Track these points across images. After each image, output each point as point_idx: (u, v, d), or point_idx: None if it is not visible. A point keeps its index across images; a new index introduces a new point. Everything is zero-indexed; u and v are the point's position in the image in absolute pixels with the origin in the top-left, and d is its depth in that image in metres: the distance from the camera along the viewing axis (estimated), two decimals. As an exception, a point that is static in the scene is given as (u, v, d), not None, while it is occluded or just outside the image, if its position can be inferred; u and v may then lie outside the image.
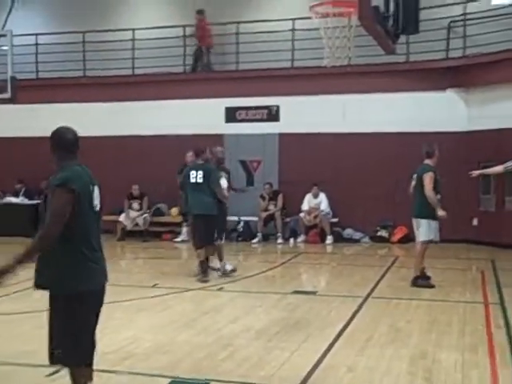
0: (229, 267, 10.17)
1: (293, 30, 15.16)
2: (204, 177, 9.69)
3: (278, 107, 15.35)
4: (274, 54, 14.96)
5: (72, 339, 4.02)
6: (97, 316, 4.16)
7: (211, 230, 9.74)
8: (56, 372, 5.37)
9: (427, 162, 9.22)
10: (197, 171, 9.77)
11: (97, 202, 4.14)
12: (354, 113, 14.62)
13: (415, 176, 9.21)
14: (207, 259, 9.92)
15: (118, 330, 6.72)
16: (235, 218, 14.90)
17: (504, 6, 13.57)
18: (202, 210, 9.59)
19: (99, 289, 4.14)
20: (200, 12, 15.79)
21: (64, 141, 4.15)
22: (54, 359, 4.13)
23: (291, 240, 14.39)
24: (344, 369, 5.45)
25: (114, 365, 5.58)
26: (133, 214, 15.14)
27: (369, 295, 8.62)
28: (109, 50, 16.09)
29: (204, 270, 9.74)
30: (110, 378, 5.31)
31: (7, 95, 16.24)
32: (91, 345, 4.17)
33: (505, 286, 9.14)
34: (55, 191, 3.93)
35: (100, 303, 4.18)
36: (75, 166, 4.09)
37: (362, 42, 12.75)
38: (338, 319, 7.20)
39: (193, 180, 9.76)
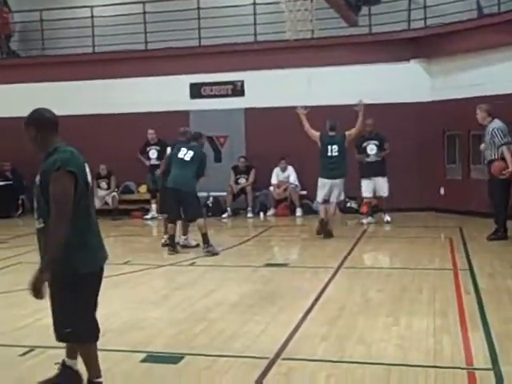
0: (193, 242, 10.36)
1: (254, 4, 15.05)
2: (193, 158, 9.86)
3: (242, 82, 15.27)
4: (236, 28, 14.85)
5: (79, 318, 4.10)
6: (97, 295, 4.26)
7: (198, 204, 10.13)
8: (30, 351, 5.35)
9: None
10: (188, 150, 9.95)
11: (89, 180, 4.13)
12: (319, 85, 14.59)
13: None
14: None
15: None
16: (204, 194, 14.88)
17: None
18: (187, 188, 9.75)
19: (101, 268, 4.26)
20: None
21: (48, 121, 4.11)
22: (63, 337, 4.21)
23: (261, 214, 14.43)
24: (318, 339, 5.49)
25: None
26: (101, 192, 15.06)
27: (340, 266, 8.68)
28: (68, 28, 15.82)
29: (172, 243, 9.96)
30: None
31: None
32: (96, 322, 4.29)
33: (473, 253, 9.28)
34: (55, 175, 3.88)
35: (101, 281, 4.32)
36: (66, 146, 4.08)
37: (325, 15, 12.79)
38: (311, 290, 7.25)
39: (181, 156, 9.92)
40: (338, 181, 11.08)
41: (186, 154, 9.92)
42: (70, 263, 3.95)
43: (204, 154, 10.30)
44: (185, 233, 10.42)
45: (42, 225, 4.01)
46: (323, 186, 11.17)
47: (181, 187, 9.71)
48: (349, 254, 9.68)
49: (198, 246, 10.29)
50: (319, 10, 12.51)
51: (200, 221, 9.85)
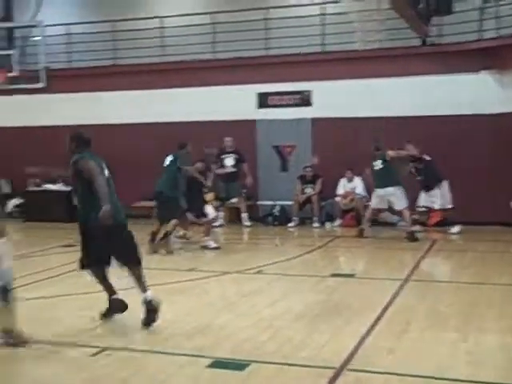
0: (213, 244, 11.34)
1: (323, 14, 15.05)
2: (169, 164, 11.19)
3: (310, 92, 15.27)
4: (305, 38, 14.87)
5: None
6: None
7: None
8: (101, 352, 5.47)
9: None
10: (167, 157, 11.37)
11: (106, 171, 6.39)
12: (386, 96, 14.46)
13: None
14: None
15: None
16: (271, 203, 14.95)
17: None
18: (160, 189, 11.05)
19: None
20: None
21: (85, 139, 6.50)
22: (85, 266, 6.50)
23: (327, 224, 14.37)
24: (384, 352, 5.44)
25: (155, 345, 5.66)
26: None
27: (408, 278, 8.55)
28: (138, 39, 16.16)
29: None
30: (152, 358, 5.37)
31: (41, 85, 16.50)
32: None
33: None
34: (81, 163, 6.25)
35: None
36: (87, 152, 6.38)
37: (395, 25, 12.69)
38: (378, 302, 7.16)
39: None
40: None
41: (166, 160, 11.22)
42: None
43: (176, 159, 11.20)
44: (186, 229, 11.85)
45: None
46: None
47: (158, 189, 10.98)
48: (416, 266, 9.54)
49: (219, 248, 11.23)
50: (389, 21, 12.48)
51: (172, 221, 10.89)
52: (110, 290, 6.54)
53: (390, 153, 12.36)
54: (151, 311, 6.17)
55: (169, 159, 11.21)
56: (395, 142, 12.74)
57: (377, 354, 5.40)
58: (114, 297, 6.51)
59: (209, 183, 12.60)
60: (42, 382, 5.01)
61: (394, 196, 12.14)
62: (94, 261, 6.37)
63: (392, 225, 13.45)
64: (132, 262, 6.29)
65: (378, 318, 6.51)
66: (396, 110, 14.15)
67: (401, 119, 14.10)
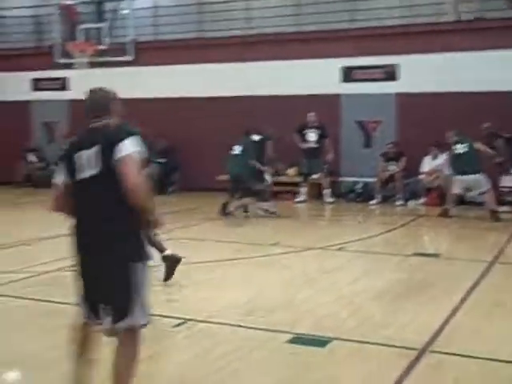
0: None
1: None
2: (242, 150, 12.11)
3: (395, 66, 14.90)
4: (390, 11, 14.51)
5: None
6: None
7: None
8: (182, 323, 5.55)
9: None
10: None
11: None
12: (474, 71, 13.90)
13: None
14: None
15: (238, 287, 6.85)
16: (353, 179, 14.78)
17: None
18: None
19: None
20: None
21: None
22: None
23: (411, 202, 14.08)
24: (470, 333, 5.29)
25: (237, 320, 5.68)
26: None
27: (495, 260, 8.27)
28: (224, 11, 16.18)
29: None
30: (234, 332, 5.41)
31: (129, 57, 16.81)
32: None
33: None
34: None
35: None
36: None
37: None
38: (463, 283, 6.94)
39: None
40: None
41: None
42: None
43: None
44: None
45: None
46: None
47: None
48: (504, 247, 9.22)
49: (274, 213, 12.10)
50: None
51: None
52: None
53: (480, 147, 11.86)
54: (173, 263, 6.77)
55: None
56: (484, 116, 12.32)
57: (461, 335, 5.25)
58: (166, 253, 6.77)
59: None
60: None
61: (478, 181, 11.63)
62: None
63: (479, 204, 13.04)
64: None
65: (464, 299, 6.32)
66: (482, 85, 13.59)
67: (489, 94, 13.56)
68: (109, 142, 3.61)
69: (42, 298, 6.37)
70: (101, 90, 3.90)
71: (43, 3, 18.29)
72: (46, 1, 18.13)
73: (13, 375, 4.65)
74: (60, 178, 3.82)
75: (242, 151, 12.00)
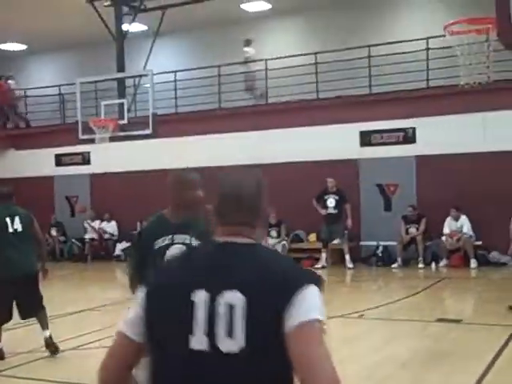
0: None
1: (427, 49, 14.84)
2: None
3: (414, 129, 14.98)
4: (408, 75, 14.69)
5: None
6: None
7: None
8: None
9: None
10: None
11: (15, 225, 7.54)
12: (495, 131, 13.94)
13: None
14: None
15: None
16: (374, 243, 14.69)
17: None
18: None
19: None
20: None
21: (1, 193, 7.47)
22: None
23: (433, 264, 13.91)
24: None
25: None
26: (271, 241, 15.23)
27: (519, 324, 8.12)
28: (239, 82, 16.53)
29: None
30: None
31: (148, 131, 17.09)
32: None
33: None
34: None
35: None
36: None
37: (502, 57, 12.25)
38: (487, 350, 6.80)
39: None
40: None
41: None
42: None
43: None
44: None
45: None
46: None
47: None
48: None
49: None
50: (496, 52, 12.07)
51: None
52: None
53: None
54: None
55: None
56: (505, 177, 12.23)
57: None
58: None
59: None
60: None
61: None
62: None
63: (502, 265, 12.86)
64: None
65: (488, 368, 6.18)
66: (503, 145, 13.60)
67: (509, 154, 13.52)
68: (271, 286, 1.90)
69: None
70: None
71: (65, 82, 18.83)
72: (68, 80, 18.63)
73: None
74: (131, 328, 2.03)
75: None
